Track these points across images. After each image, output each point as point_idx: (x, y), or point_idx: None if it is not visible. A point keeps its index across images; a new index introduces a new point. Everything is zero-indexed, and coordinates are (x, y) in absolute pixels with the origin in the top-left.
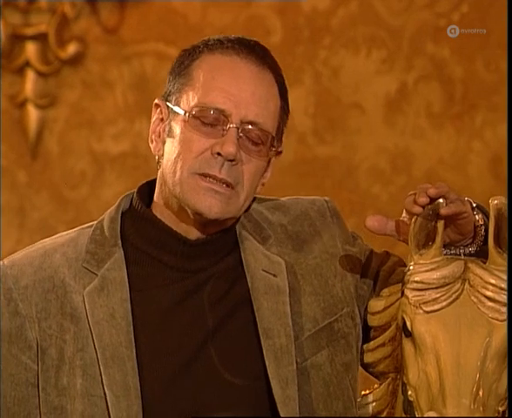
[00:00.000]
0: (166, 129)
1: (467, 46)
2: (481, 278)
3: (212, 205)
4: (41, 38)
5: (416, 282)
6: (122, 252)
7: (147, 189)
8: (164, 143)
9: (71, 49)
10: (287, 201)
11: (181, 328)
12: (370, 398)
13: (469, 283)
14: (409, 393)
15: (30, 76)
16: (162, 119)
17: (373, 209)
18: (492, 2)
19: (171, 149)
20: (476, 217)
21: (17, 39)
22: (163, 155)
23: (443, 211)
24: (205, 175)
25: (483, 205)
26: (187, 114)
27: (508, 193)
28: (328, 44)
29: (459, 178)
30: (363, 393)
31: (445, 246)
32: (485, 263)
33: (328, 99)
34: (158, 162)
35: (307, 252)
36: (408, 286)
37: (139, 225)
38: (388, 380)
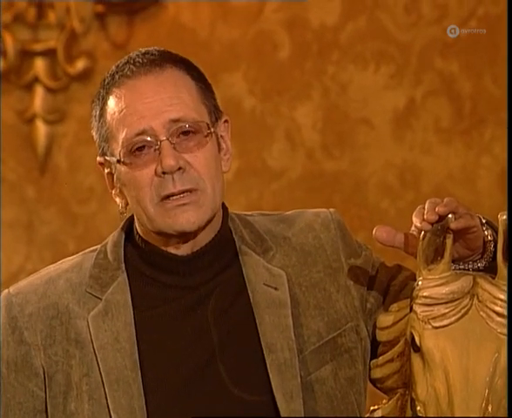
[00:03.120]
0: (116, 179)
1: (475, 61)
2: (489, 293)
3: (187, 218)
4: (50, 54)
5: (425, 297)
6: (125, 275)
7: None
8: (122, 192)
9: (80, 64)
10: (292, 214)
11: (185, 346)
12: (379, 413)
13: (478, 298)
14: (418, 408)
15: (39, 91)
16: (111, 173)
17: (382, 224)
18: (500, 17)
19: (128, 195)
20: (486, 232)
21: (26, 55)
22: (127, 203)
23: (453, 225)
24: (165, 197)
25: (493, 220)
26: (120, 159)
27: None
28: (337, 60)
29: (468, 193)
30: (372, 408)
31: (454, 261)
32: (494, 278)
33: (337, 114)
34: (125, 211)
35: (311, 265)
36: (417, 301)
37: (139, 248)
38: (397, 395)
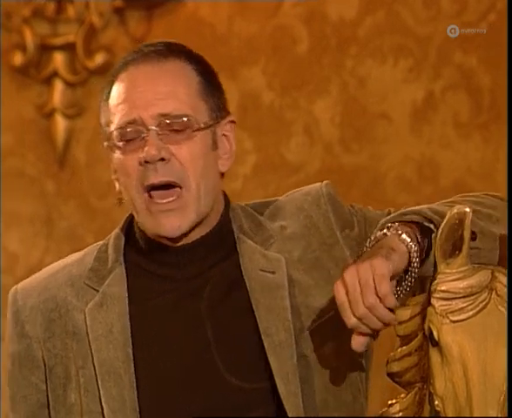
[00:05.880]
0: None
1: (494, 55)
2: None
3: (171, 224)
4: (69, 48)
5: (443, 291)
6: (123, 267)
7: None
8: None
9: (99, 58)
10: (284, 199)
11: (179, 337)
12: (396, 407)
13: (496, 292)
14: (436, 402)
15: (58, 86)
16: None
17: None
18: None
19: (120, 181)
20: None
21: (45, 49)
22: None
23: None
24: (148, 188)
25: None
26: (114, 143)
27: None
28: (355, 54)
29: (486, 187)
30: (389, 402)
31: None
32: None
33: (355, 109)
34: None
35: (306, 247)
36: (435, 295)
37: (137, 241)
38: (415, 389)
